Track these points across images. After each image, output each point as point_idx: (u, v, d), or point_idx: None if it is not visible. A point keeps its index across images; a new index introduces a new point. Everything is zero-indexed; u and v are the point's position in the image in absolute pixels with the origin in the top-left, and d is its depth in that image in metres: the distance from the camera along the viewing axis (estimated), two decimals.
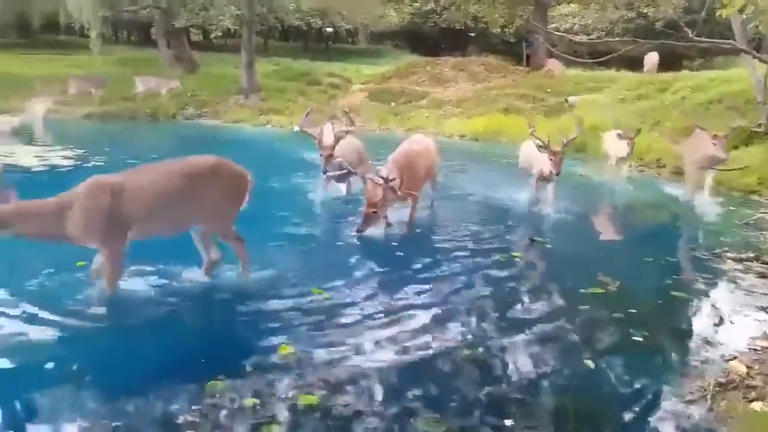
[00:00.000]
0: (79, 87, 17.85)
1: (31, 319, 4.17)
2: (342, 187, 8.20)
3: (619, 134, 9.42)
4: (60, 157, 10.80)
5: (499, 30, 29.86)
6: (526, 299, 5.00)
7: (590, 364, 3.93)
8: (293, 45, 34.12)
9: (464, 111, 18.41)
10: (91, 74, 19.08)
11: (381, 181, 6.19)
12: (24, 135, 12.86)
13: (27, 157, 10.71)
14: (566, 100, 17.28)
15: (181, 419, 3.15)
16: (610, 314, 4.69)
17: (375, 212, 6.20)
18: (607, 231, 7.81)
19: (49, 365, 3.64)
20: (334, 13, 29.32)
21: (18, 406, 3.24)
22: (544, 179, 7.86)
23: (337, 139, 7.36)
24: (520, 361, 3.97)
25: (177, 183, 4.52)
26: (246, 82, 19.86)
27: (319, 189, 7.95)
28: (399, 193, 6.34)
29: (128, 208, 4.35)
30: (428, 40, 31.37)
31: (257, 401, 3.31)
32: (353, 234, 6.27)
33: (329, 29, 32.60)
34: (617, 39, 26.30)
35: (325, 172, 7.27)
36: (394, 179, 6.25)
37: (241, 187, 4.84)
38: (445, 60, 24.31)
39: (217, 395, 3.35)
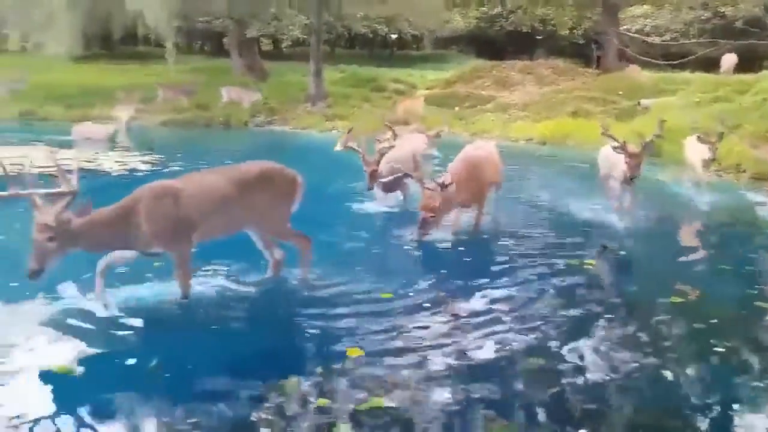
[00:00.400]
0: (169, 95, 18.64)
1: (107, 320, 4.36)
2: (394, 197, 8.04)
3: (699, 137, 9.00)
4: (139, 162, 11.32)
5: (567, 32, 29.27)
6: (598, 307, 4.87)
7: (668, 375, 3.80)
8: (359, 52, 34.46)
9: (531, 115, 18.13)
10: (179, 83, 19.86)
11: (434, 186, 6.09)
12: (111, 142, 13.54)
13: (108, 162, 11.28)
14: (639, 103, 16.76)
15: (254, 417, 3.22)
16: (690, 324, 4.53)
17: (433, 217, 6.06)
18: (685, 238, 7.54)
19: (129, 362, 3.80)
20: (400, 19, 29.47)
21: (94, 404, 3.37)
22: (624, 183, 7.33)
23: (381, 155, 7.35)
24: (593, 370, 3.87)
25: (229, 187, 4.68)
26: (313, 90, 20.22)
27: (377, 198, 7.90)
28: (456, 199, 6.21)
29: (189, 210, 4.51)
30: (494, 44, 31.04)
31: (328, 401, 3.36)
32: (412, 239, 6.23)
33: (394, 36, 32.78)
34: (693, 41, 25.40)
35: (369, 189, 7.28)
36: (450, 184, 6.12)
37: (291, 190, 4.98)
38: (511, 63, 24.01)
39: (289, 394, 3.42)
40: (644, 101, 16.74)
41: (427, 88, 22.74)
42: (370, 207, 7.92)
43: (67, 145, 12.97)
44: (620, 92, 18.73)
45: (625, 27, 26.06)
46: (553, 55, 26.64)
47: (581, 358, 4.02)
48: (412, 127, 9.20)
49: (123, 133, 14.35)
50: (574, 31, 28.89)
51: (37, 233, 4.05)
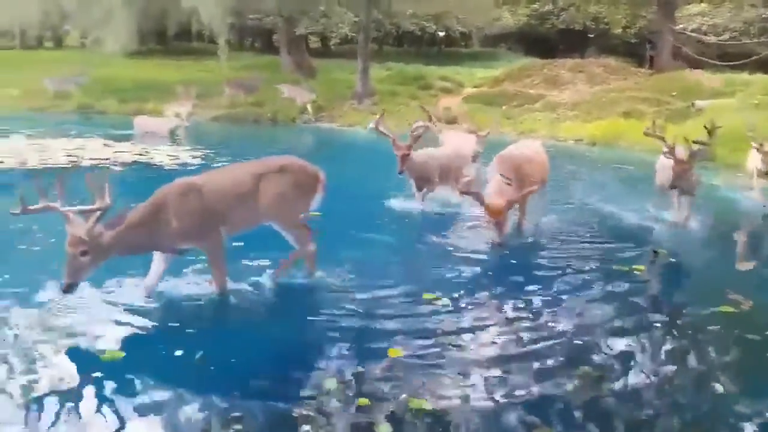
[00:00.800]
0: (233, 91, 18.97)
1: (147, 313, 4.48)
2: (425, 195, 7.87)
3: (757, 148, 8.62)
4: (189, 156, 11.58)
5: (620, 31, 28.62)
6: (648, 316, 4.75)
7: (720, 388, 3.69)
8: (407, 50, 34.45)
9: (580, 114, 17.81)
10: (243, 79, 20.19)
11: (503, 185, 5.98)
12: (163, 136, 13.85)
13: (160, 155, 11.59)
14: (693, 105, 16.27)
15: (295, 412, 3.26)
16: (743, 335, 4.38)
17: (503, 218, 5.88)
18: (738, 245, 7.29)
19: (175, 352, 3.90)
20: (449, 17, 29.33)
21: (140, 396, 3.47)
22: (672, 190, 6.90)
23: (415, 138, 7.41)
24: (641, 381, 3.77)
25: (250, 180, 4.77)
26: (360, 87, 20.32)
27: (416, 198, 7.83)
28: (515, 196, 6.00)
29: (213, 204, 4.60)
30: (544, 41, 30.58)
31: (368, 402, 3.37)
32: (492, 247, 6.02)
33: (442, 33, 32.63)
34: (754, 40, 24.44)
35: (400, 173, 7.35)
36: (509, 182, 6.01)
37: (311, 185, 4.99)
38: (562, 62, 23.60)
39: (330, 392, 3.45)
40: (699, 102, 16.24)
41: (475, 86, 22.57)
42: (409, 205, 7.82)
43: (122, 138, 13.37)
44: (674, 93, 18.22)
45: (681, 26, 25.31)
46: (605, 53, 26.10)
47: (627, 365, 3.93)
48: (465, 126, 9.03)
49: (183, 127, 14.53)
50: (628, 29, 28.21)
51: (71, 247, 4.06)
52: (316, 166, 5.08)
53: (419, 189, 7.73)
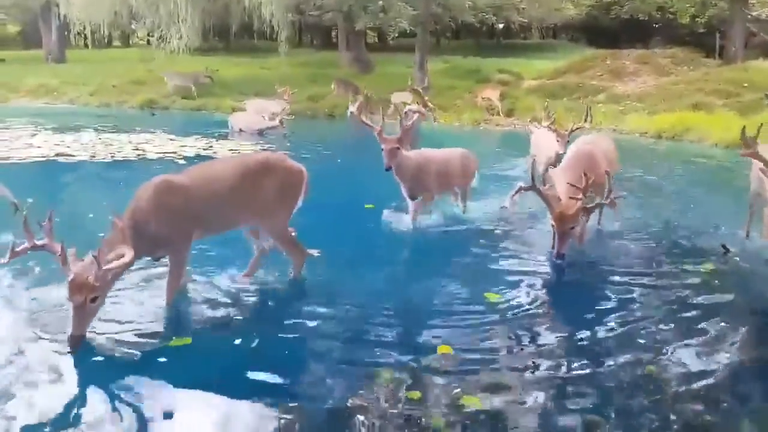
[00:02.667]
0: (341, 90, 19.14)
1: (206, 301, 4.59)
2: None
3: None
4: (251, 151, 11.82)
5: (688, 20, 27.52)
6: (722, 322, 4.40)
7: None
8: (464, 42, 34.14)
9: (646, 107, 17.26)
10: (350, 79, 20.39)
11: (576, 193, 5.15)
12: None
13: (223, 149, 11.89)
14: (766, 96, 15.51)
15: (349, 402, 3.29)
16: None
17: (572, 229, 5.19)
18: None
19: (235, 341, 3.96)
20: (509, 8, 28.89)
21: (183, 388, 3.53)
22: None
23: (406, 130, 6.37)
24: (708, 377, 3.61)
25: (233, 177, 4.40)
26: (418, 81, 20.25)
27: (409, 210, 6.61)
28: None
29: (195, 204, 4.25)
30: (607, 32, 29.73)
31: (420, 394, 3.36)
32: (554, 259, 5.24)
33: (501, 25, 32.16)
34: None
35: (388, 169, 6.09)
36: (588, 186, 5.15)
37: (294, 183, 4.65)
38: (626, 53, 22.92)
39: (383, 384, 3.46)
40: None
41: (534, 78, 22.17)
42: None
43: (183, 133, 13.76)
44: (745, 84, 17.41)
45: (755, 13, 24.13)
46: (671, 44, 25.15)
47: (688, 363, 3.76)
48: (546, 124, 8.12)
49: (279, 126, 14.04)
50: (696, 19, 27.10)
51: (76, 295, 3.54)
52: (300, 164, 4.79)
53: (412, 198, 6.49)
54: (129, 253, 3.80)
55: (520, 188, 5.31)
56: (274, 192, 4.51)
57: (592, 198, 5.34)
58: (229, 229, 4.67)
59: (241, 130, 14.01)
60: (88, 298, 3.55)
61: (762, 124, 5.32)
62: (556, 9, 29.81)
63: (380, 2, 21.94)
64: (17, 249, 3.64)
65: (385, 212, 6.87)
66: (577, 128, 7.75)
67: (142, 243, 3.99)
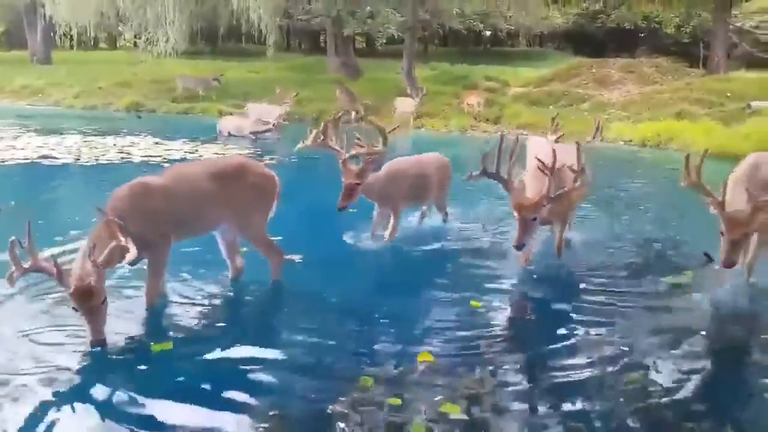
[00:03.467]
0: (343, 97, 18.45)
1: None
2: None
3: None
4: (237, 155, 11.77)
5: (673, 30, 27.87)
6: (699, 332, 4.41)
7: None
8: (452, 49, 34.32)
9: (631, 115, 17.41)
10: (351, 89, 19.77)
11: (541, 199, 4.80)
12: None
13: (207, 154, 11.84)
14: (749, 106, 15.71)
15: (329, 409, 3.28)
16: None
17: (534, 219, 4.80)
18: None
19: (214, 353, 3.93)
20: (496, 15, 29.07)
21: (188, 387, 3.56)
22: None
23: (368, 164, 5.46)
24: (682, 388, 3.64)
25: (209, 180, 4.42)
26: (407, 87, 20.32)
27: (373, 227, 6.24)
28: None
29: (174, 206, 4.25)
30: (593, 41, 30.03)
31: (400, 401, 3.35)
32: (514, 247, 4.89)
33: (488, 32, 32.37)
34: None
35: (342, 209, 5.36)
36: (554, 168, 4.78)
37: (267, 189, 4.68)
38: (612, 61, 23.13)
39: (364, 391, 3.45)
40: (755, 103, 15.66)
41: (522, 86, 22.31)
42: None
43: (169, 136, 13.68)
44: (728, 94, 17.64)
45: (738, 24, 24.49)
46: (656, 53, 25.43)
47: (667, 374, 3.78)
48: (552, 137, 7.47)
49: (273, 129, 13.94)
50: (681, 29, 27.44)
51: (87, 301, 3.58)
52: (271, 171, 4.81)
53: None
54: (132, 248, 3.78)
55: (482, 173, 4.87)
56: (248, 196, 4.56)
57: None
58: (206, 231, 4.68)
59: (230, 134, 13.94)
60: (96, 303, 3.59)
61: None
62: (542, 17, 30.07)
63: (368, 8, 22.02)
64: (14, 275, 3.57)
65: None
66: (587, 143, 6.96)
67: None
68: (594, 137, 7.44)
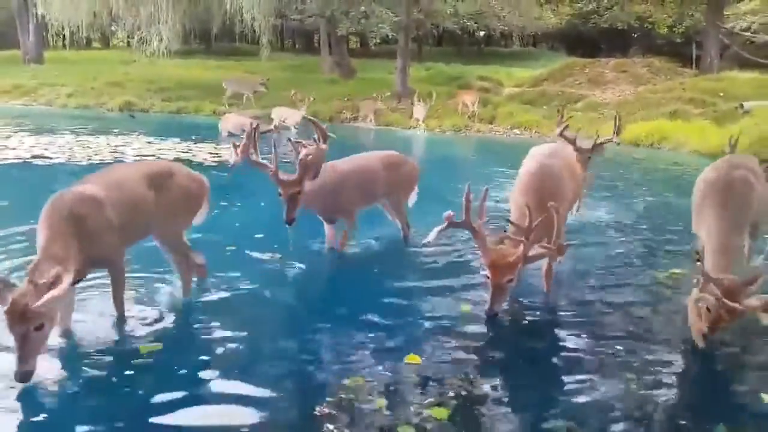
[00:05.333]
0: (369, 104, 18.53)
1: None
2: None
3: None
4: (229, 154, 11.73)
5: (665, 30, 28.00)
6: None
7: None
8: (446, 50, 34.35)
9: (623, 115, 17.45)
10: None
11: (515, 232, 4.21)
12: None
13: (202, 153, 11.81)
14: (741, 106, 15.79)
15: (317, 410, 3.27)
16: None
17: (510, 281, 4.09)
18: None
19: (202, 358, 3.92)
20: (490, 16, 29.13)
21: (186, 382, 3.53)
22: None
23: (305, 168, 4.84)
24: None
25: (144, 187, 4.17)
26: (399, 87, 20.36)
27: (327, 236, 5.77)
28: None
29: (118, 215, 3.93)
30: (586, 41, 30.15)
31: (386, 402, 3.34)
32: (486, 314, 4.13)
33: (482, 33, 32.41)
34: None
35: (290, 222, 4.84)
36: (532, 228, 4.05)
37: (200, 196, 4.51)
38: (605, 61, 23.25)
39: (352, 392, 3.43)
40: (747, 104, 15.75)
41: (515, 86, 22.37)
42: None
43: (161, 136, 13.63)
44: (720, 94, 17.74)
45: (729, 25, 24.61)
46: (649, 54, 25.56)
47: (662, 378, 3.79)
48: (559, 130, 6.98)
49: (273, 130, 13.89)
50: (673, 29, 27.57)
51: (18, 324, 3.13)
52: (201, 175, 4.62)
53: (330, 221, 5.69)
54: (67, 276, 3.29)
55: (449, 224, 4.15)
56: (174, 200, 4.31)
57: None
58: (141, 238, 4.37)
59: (230, 134, 13.85)
60: (30, 326, 3.14)
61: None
62: (536, 18, 30.14)
63: (362, 8, 22.01)
64: None
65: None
66: (604, 142, 6.96)
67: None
68: (615, 133, 7.31)
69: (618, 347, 4.10)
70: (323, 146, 4.97)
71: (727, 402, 3.62)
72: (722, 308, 3.58)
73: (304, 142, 5.50)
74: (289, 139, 5.55)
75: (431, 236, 4.18)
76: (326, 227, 5.70)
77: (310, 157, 4.88)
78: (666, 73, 21.95)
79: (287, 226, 4.84)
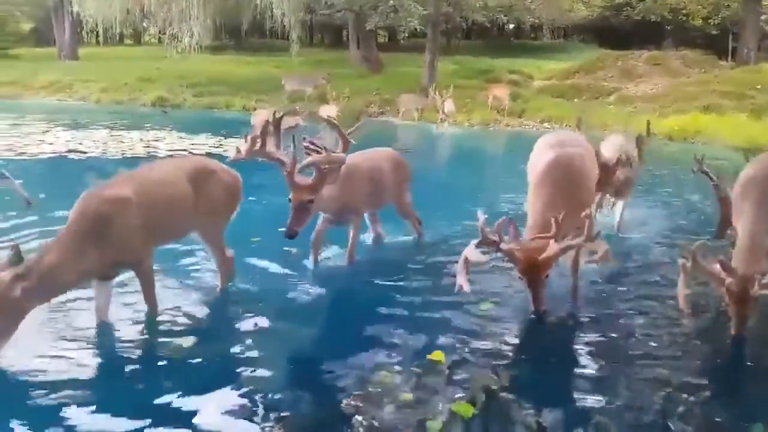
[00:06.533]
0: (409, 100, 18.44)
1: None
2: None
3: None
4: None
5: (700, 22, 27.37)
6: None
7: None
8: (475, 43, 34.08)
9: (657, 108, 17.17)
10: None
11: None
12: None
13: (232, 148, 11.92)
14: None
15: (344, 403, 3.31)
16: None
17: (546, 276, 3.99)
18: None
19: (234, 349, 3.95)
20: (520, 8, 28.81)
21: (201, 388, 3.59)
22: None
23: (322, 171, 4.38)
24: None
25: (184, 184, 4.22)
26: (427, 81, 20.26)
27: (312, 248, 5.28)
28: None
29: (150, 214, 3.94)
30: (618, 33, 29.61)
31: (413, 397, 3.36)
32: (534, 316, 4.08)
33: (511, 25, 32.07)
34: None
35: (293, 236, 4.26)
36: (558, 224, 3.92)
37: (237, 192, 4.57)
38: (638, 54, 22.82)
39: (381, 386, 3.46)
40: None
41: (545, 79, 22.12)
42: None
43: (193, 131, 13.80)
44: (758, 86, 17.30)
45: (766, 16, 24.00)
46: (683, 45, 25.02)
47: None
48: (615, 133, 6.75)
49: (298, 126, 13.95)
50: (709, 20, 26.94)
51: None
52: (234, 170, 4.59)
53: (338, 223, 5.23)
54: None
55: (478, 242, 3.97)
56: (216, 198, 4.34)
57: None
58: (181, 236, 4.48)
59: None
60: None
61: None
62: (567, 10, 29.72)
63: (391, 2, 21.95)
64: None
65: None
66: (627, 162, 6.13)
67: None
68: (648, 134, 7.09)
69: (652, 344, 4.06)
70: (341, 154, 4.61)
71: (765, 400, 3.56)
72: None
73: (318, 143, 5.28)
74: (304, 138, 5.45)
75: (462, 280, 3.87)
76: (315, 233, 5.20)
77: (333, 164, 4.49)
78: (701, 66, 21.48)
79: (288, 238, 4.28)
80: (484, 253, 4.07)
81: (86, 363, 3.68)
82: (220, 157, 10.41)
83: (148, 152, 11.20)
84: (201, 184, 4.26)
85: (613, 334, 4.23)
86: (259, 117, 14.19)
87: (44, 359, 3.61)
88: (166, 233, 4.25)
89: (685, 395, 3.45)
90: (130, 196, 3.83)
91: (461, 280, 3.86)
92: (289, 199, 4.29)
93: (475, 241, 4.01)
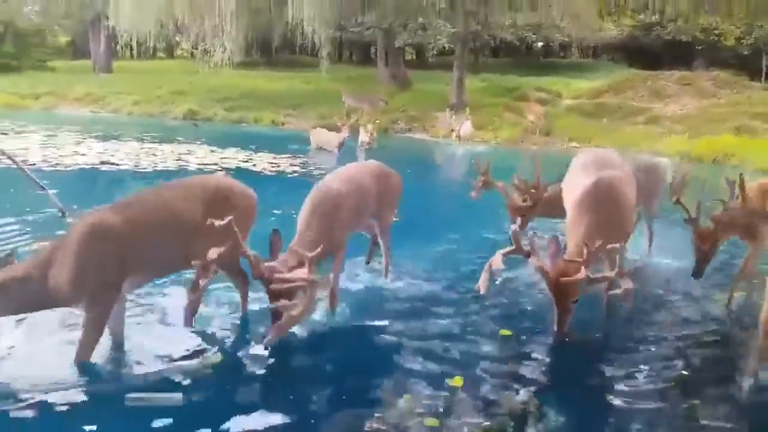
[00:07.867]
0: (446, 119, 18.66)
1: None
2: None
3: None
4: (289, 164, 12.00)
5: (733, 42, 27.03)
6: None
7: None
8: (503, 61, 34.08)
9: (687, 129, 16.98)
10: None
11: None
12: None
13: (262, 162, 12.09)
14: None
15: (366, 426, 3.32)
16: None
17: (575, 301, 3.96)
18: None
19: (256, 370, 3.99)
20: (549, 27, 28.80)
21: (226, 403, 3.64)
22: None
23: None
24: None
25: (193, 213, 3.97)
26: (455, 98, 20.33)
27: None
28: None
29: (135, 250, 3.74)
30: (648, 53, 29.37)
31: (437, 422, 3.35)
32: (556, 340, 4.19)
33: (540, 44, 32.01)
34: None
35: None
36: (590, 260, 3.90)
37: (252, 214, 4.35)
38: (668, 74, 22.61)
39: (402, 411, 3.47)
40: None
41: (573, 98, 22.02)
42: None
43: (222, 144, 13.97)
44: None
45: None
46: (714, 66, 24.72)
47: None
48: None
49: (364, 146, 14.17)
50: (742, 41, 26.60)
51: None
52: (251, 189, 4.43)
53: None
54: None
55: (510, 251, 4.03)
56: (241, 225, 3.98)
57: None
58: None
59: (320, 147, 13.86)
60: None
61: None
62: (597, 29, 29.60)
63: (420, 20, 22.13)
64: None
65: None
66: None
67: None
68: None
69: (683, 372, 4.04)
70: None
71: None
72: None
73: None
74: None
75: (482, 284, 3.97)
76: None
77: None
78: (732, 87, 21.19)
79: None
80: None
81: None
82: (246, 171, 10.64)
83: (179, 165, 11.39)
84: (221, 209, 3.97)
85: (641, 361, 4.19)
86: (322, 136, 14.18)
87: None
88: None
89: None
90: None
91: (482, 282, 3.98)
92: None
93: (503, 250, 4.05)
